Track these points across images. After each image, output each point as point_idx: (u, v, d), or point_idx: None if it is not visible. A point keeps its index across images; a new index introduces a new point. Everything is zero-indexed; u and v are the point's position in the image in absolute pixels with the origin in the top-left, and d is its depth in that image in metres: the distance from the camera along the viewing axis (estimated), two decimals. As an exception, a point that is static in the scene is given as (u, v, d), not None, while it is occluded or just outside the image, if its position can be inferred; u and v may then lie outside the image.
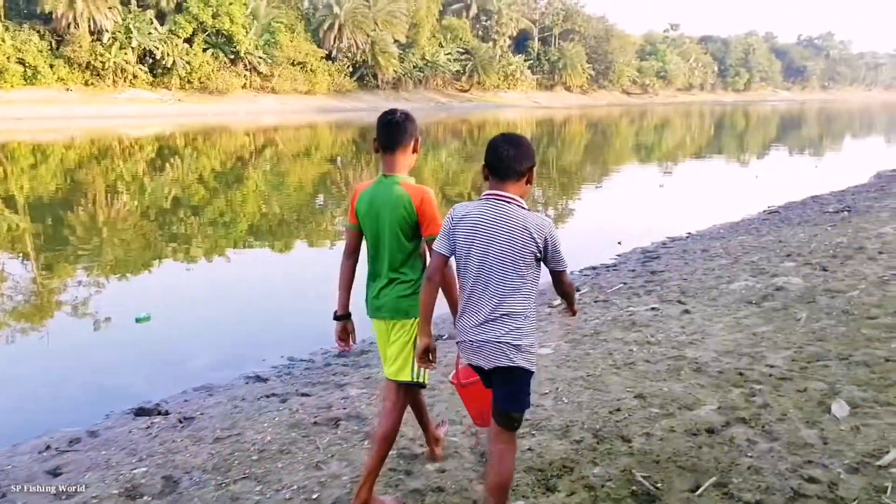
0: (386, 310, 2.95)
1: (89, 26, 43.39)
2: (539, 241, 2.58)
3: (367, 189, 2.96)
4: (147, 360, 6.28)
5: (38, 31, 42.47)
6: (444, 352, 4.63)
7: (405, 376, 2.96)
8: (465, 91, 69.67)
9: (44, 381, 5.80)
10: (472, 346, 2.65)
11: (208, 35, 48.32)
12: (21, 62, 40.31)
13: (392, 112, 2.95)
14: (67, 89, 42.62)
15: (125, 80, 45.15)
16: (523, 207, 2.63)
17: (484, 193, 2.66)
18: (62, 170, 20.54)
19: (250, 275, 9.32)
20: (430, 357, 2.77)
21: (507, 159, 2.62)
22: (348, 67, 58.15)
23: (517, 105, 69.07)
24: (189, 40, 47.46)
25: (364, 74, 60.19)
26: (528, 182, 2.68)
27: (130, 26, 44.66)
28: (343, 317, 3.07)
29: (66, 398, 5.49)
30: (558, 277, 2.71)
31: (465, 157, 26.39)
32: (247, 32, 49.70)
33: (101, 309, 7.74)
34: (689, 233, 11.11)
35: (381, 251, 2.92)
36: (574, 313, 2.92)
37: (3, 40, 39.61)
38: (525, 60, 76.07)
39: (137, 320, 6.95)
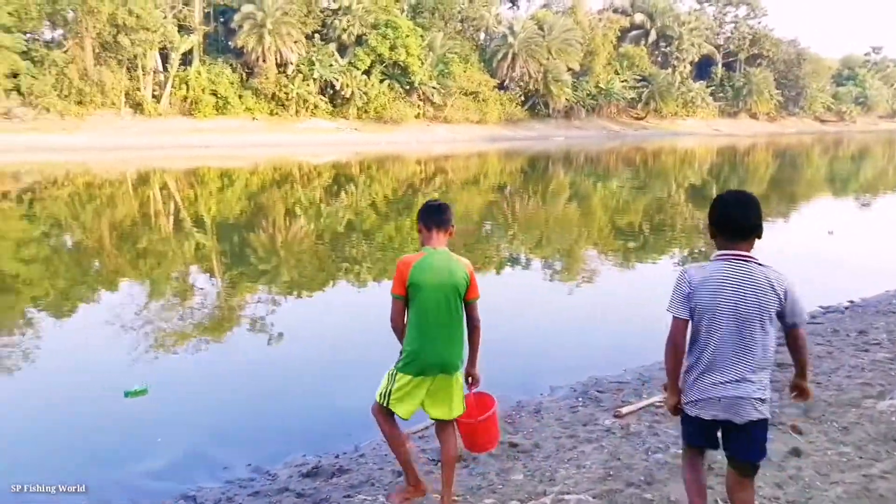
0: (454, 366, 3.56)
1: (276, 59, 47.73)
2: (781, 294, 2.72)
3: (420, 260, 3.49)
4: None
5: (231, 65, 47.46)
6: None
7: (459, 411, 3.61)
8: (641, 119, 67.69)
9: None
10: (722, 403, 2.79)
11: (385, 67, 51.17)
12: (214, 93, 45.12)
13: (438, 201, 3.70)
14: (254, 119, 46.97)
15: (306, 110, 48.93)
16: (760, 264, 2.77)
17: (719, 254, 2.81)
18: (246, 194, 22.33)
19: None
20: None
21: (740, 220, 2.77)
22: (520, 96, 58.83)
23: (696, 133, 65.88)
24: (367, 72, 50.54)
25: (536, 103, 60.55)
26: (759, 237, 2.81)
27: (314, 59, 48.49)
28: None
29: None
30: (795, 332, 2.80)
31: (638, 187, 25.23)
32: (422, 64, 52.01)
33: (276, 324, 7.96)
34: (852, 301, 8.75)
35: (448, 313, 3.49)
36: (805, 380, 2.94)
37: (200, 73, 44.65)
38: (707, 87, 72.68)
39: (127, 394, 5.73)
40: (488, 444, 3.80)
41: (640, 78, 65.35)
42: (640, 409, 5.25)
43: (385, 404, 3.52)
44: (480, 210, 19.21)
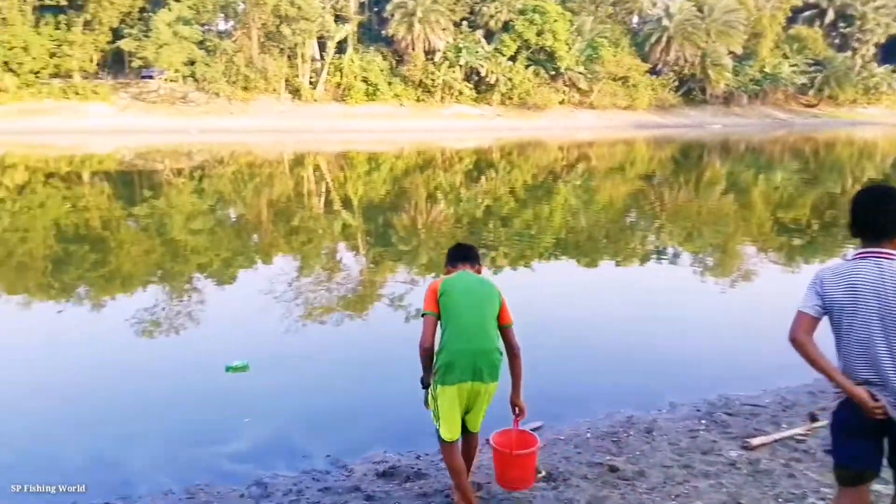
0: (488, 374, 3.43)
1: (424, 47, 49.03)
2: None
3: (450, 276, 3.60)
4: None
5: (382, 53, 49.43)
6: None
7: (477, 427, 3.59)
8: (812, 106, 62.49)
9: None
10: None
11: (531, 52, 50.92)
12: (365, 80, 47.21)
13: (465, 243, 3.96)
14: (401, 105, 48.60)
15: (451, 97, 49.87)
16: None
17: (859, 252, 2.71)
18: (391, 177, 23.24)
19: (550, 293, 9.22)
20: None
21: (881, 218, 2.66)
22: (673, 81, 56.36)
23: (878, 123, 59.67)
24: (513, 58, 50.58)
25: (691, 89, 57.73)
26: None
27: (460, 46, 49.24)
28: None
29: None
30: None
31: (807, 180, 23.41)
32: (569, 49, 51.23)
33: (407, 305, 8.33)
34: None
35: (482, 315, 3.47)
36: None
37: (353, 61, 46.84)
38: (893, 71, 65.51)
39: (228, 369, 5.83)
40: (519, 482, 3.69)
41: (812, 62, 60.31)
42: (777, 441, 4.49)
43: (449, 439, 3.43)
44: (624, 200, 18.75)
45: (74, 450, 4.48)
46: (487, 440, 3.79)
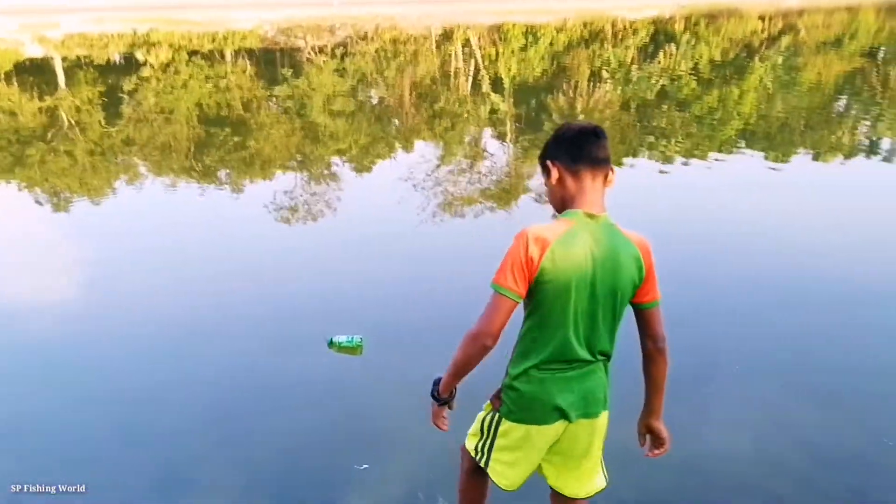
0: (600, 404, 2.32)
1: None
2: None
3: (563, 238, 2.10)
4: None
5: None
6: None
7: (600, 484, 2.47)
8: None
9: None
10: None
11: None
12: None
13: (586, 124, 2.22)
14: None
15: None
16: None
17: None
18: (550, 53, 22.56)
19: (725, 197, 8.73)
20: None
21: None
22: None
23: None
24: None
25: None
26: None
27: None
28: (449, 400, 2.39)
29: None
30: None
31: None
32: None
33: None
34: None
35: (596, 326, 2.21)
36: None
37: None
38: None
39: (331, 345, 4.55)
40: None
41: None
42: None
43: (482, 464, 2.43)
44: (836, 81, 17.02)
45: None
46: None
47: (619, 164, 10.15)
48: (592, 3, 38.83)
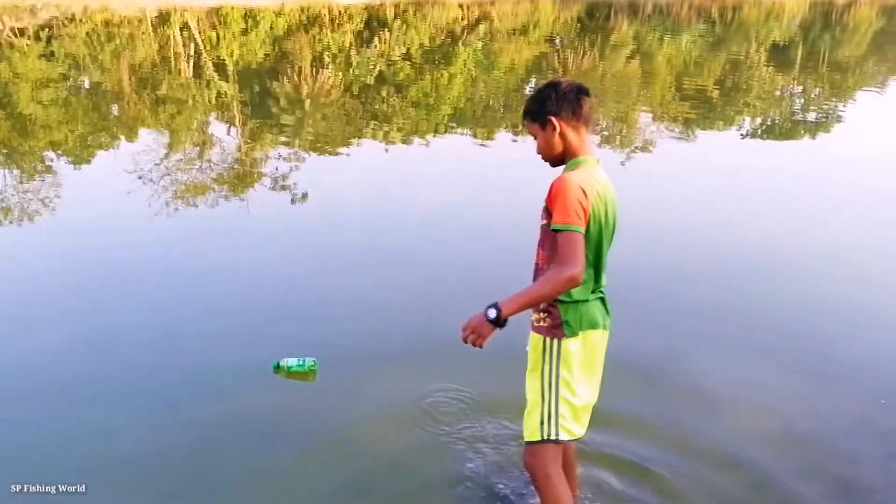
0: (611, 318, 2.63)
1: None
2: None
3: (596, 182, 2.39)
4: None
5: None
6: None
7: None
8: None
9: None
10: None
11: None
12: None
13: (573, 82, 2.49)
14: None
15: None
16: None
17: None
18: (271, 38, 22.19)
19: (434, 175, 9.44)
20: None
21: None
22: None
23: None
24: None
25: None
26: None
27: None
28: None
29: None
30: None
31: (712, 44, 24.25)
32: None
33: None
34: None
35: (604, 257, 2.51)
36: None
37: None
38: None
39: (278, 369, 4.05)
40: None
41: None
42: None
43: (551, 432, 2.46)
44: (528, 65, 18.87)
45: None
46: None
47: (348, 144, 10.48)
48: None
